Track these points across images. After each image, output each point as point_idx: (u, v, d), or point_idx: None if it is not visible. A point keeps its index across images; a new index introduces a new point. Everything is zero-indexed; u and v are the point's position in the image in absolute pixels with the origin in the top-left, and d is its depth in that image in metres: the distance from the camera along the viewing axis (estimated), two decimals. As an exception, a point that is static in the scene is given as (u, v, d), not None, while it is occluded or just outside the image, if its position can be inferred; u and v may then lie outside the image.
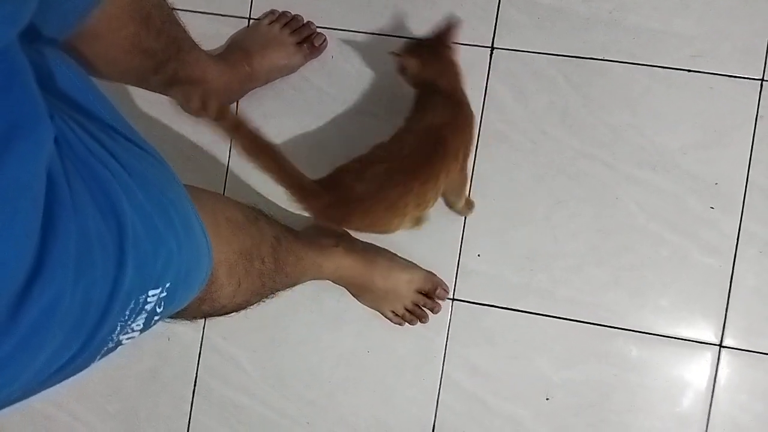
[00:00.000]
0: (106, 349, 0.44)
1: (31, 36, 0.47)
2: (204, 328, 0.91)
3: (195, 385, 0.92)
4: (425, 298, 0.86)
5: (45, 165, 0.36)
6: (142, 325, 0.47)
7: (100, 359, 0.45)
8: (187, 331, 0.91)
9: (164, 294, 0.46)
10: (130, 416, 0.93)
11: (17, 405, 0.45)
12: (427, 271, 0.87)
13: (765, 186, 0.82)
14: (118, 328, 0.43)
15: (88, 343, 0.41)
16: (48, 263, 0.35)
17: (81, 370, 0.44)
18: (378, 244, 0.88)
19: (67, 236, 0.37)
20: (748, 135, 0.82)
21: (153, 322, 0.48)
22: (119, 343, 0.46)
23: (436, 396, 0.87)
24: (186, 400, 0.92)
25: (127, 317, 0.44)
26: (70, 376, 0.44)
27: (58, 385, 0.95)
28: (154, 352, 0.93)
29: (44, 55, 0.46)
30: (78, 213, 0.38)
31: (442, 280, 0.87)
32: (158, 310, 0.47)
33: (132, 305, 0.43)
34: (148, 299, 0.45)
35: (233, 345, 0.91)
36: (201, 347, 0.92)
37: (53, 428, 0.95)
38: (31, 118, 0.36)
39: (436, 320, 0.87)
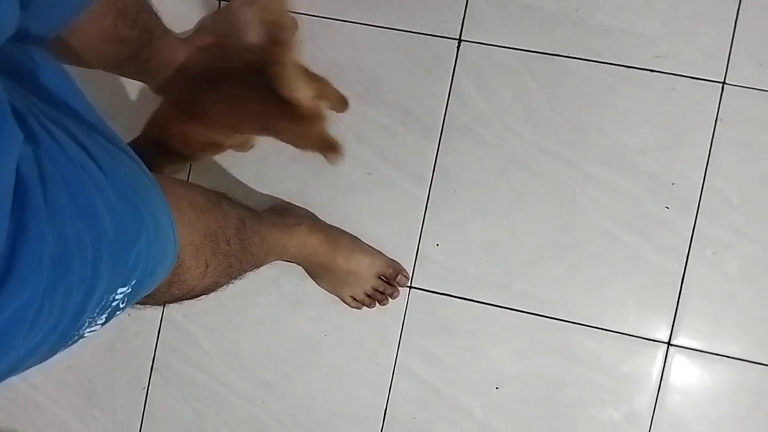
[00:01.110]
0: (71, 342, 0.46)
1: (19, 35, 0.48)
2: (164, 307, 0.93)
3: (153, 361, 0.94)
4: (385, 284, 0.87)
5: (11, 168, 0.36)
6: (104, 319, 0.48)
7: (62, 350, 0.47)
8: (147, 307, 0.93)
9: (129, 290, 0.48)
10: (88, 388, 0.95)
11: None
12: (388, 257, 0.88)
13: (721, 188, 0.83)
14: (86, 324, 0.45)
15: (59, 341, 0.43)
16: (18, 268, 0.36)
17: (45, 360, 0.45)
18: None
19: (39, 240, 0.37)
20: (707, 137, 0.83)
21: (114, 315, 0.50)
22: (82, 335, 0.47)
23: (390, 382, 0.89)
24: (144, 375, 0.94)
25: (95, 314, 0.45)
26: (35, 365, 0.45)
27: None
28: (114, 326, 0.94)
29: (28, 52, 0.47)
30: (54, 216, 0.39)
31: (403, 267, 0.88)
32: (121, 306, 0.49)
33: (103, 303, 0.45)
34: (116, 296, 0.46)
35: (192, 323, 0.92)
36: (161, 323, 0.93)
37: (13, 397, 0.96)
38: None
39: (392, 307, 0.88)
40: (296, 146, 0.80)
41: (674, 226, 0.84)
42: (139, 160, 0.53)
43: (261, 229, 0.75)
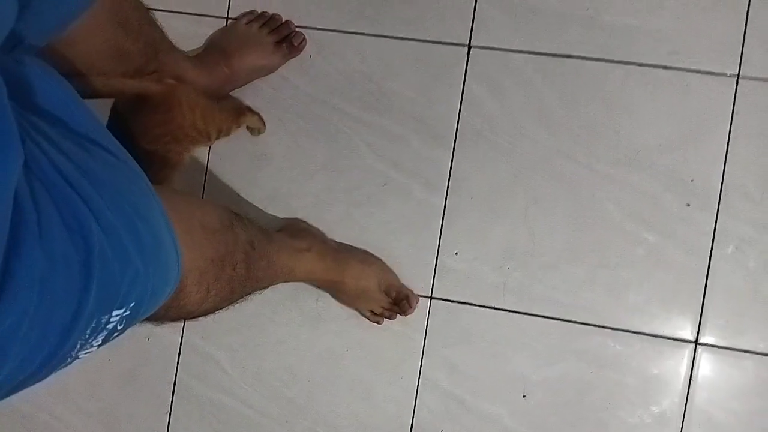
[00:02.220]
0: (63, 364, 0.45)
1: (10, 43, 0.47)
2: (183, 329, 0.91)
3: (174, 385, 0.92)
4: (391, 302, 0.86)
5: (12, 189, 0.36)
6: (101, 341, 0.47)
7: (55, 373, 0.46)
8: (166, 332, 0.92)
9: (127, 313, 0.47)
10: (110, 416, 0.94)
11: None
12: (397, 279, 0.87)
13: (741, 182, 0.82)
14: (78, 346, 0.44)
15: (48, 360, 0.42)
16: (12, 287, 0.35)
17: (36, 383, 0.45)
18: (354, 243, 0.88)
19: (31, 260, 0.37)
20: (724, 132, 0.83)
21: (112, 338, 0.48)
22: (77, 357, 0.46)
23: (415, 394, 0.88)
24: (165, 400, 0.93)
25: (88, 336, 0.44)
26: (24, 388, 0.44)
27: (37, 386, 0.96)
28: (133, 352, 0.93)
29: (22, 63, 0.46)
30: (44, 235, 0.38)
31: (411, 292, 0.86)
32: (119, 328, 0.48)
33: (94, 324, 0.44)
34: (111, 319, 0.45)
35: (212, 345, 0.91)
36: (180, 347, 0.92)
37: (33, 428, 0.95)
38: (1, 143, 0.36)
39: (414, 318, 0.87)
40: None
41: (695, 223, 0.83)
42: (143, 174, 0.52)
43: (270, 252, 0.73)
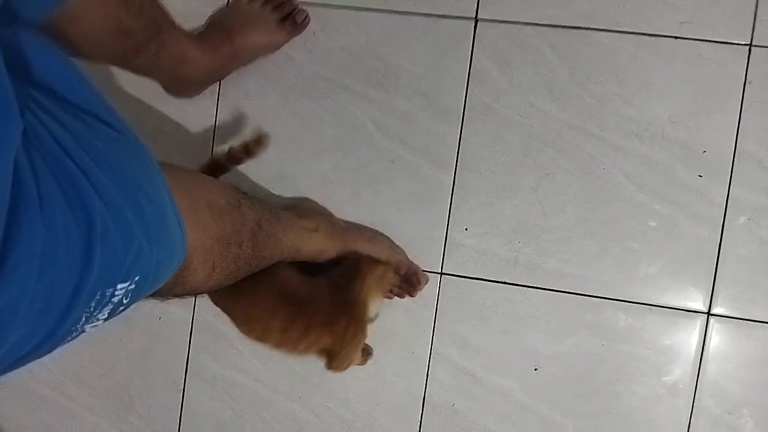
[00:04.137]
0: (69, 338, 0.45)
1: (8, 17, 0.46)
2: (194, 307, 0.92)
3: (187, 363, 0.93)
4: (399, 280, 0.86)
5: (11, 160, 0.36)
6: (107, 315, 0.47)
7: (63, 345, 0.46)
8: (177, 310, 0.92)
9: (132, 286, 0.47)
10: (124, 395, 0.95)
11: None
12: (406, 257, 0.86)
13: (753, 152, 0.81)
14: (83, 319, 0.44)
15: (52, 333, 0.42)
16: (11, 259, 0.35)
17: (43, 356, 0.45)
18: (362, 222, 0.88)
19: (32, 232, 0.37)
20: (736, 101, 0.81)
21: (118, 311, 0.49)
22: (83, 331, 0.46)
23: (426, 370, 0.88)
24: (179, 378, 0.93)
25: (92, 309, 0.44)
26: (31, 361, 0.44)
27: (51, 367, 0.97)
28: (145, 331, 0.93)
29: (21, 37, 0.46)
30: (45, 208, 0.38)
31: (420, 269, 0.86)
32: (125, 302, 0.48)
33: (98, 297, 0.44)
34: (116, 292, 0.45)
35: (224, 323, 0.90)
36: (192, 326, 0.93)
37: (48, 409, 0.96)
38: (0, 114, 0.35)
39: (425, 294, 0.87)
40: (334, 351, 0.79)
41: (708, 194, 0.82)
42: (147, 151, 0.51)
43: (277, 232, 0.73)
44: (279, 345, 0.77)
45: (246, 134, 0.88)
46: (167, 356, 0.93)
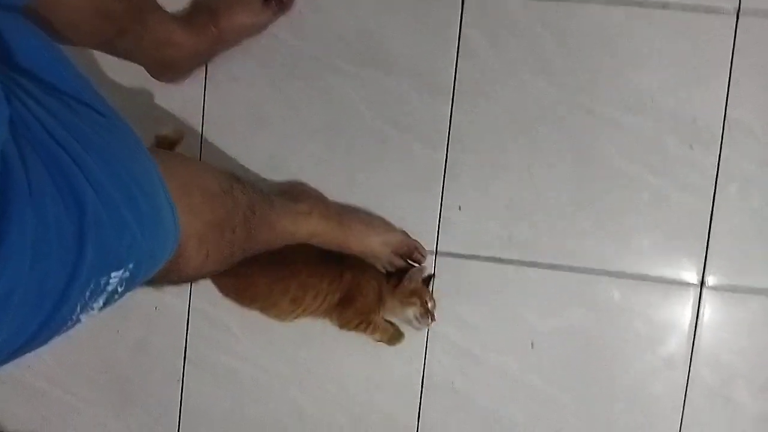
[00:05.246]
0: (65, 327, 0.45)
1: None
2: (191, 295, 0.91)
3: (185, 353, 0.93)
4: (402, 261, 0.86)
5: None
6: (102, 304, 0.47)
7: (59, 335, 0.46)
8: (173, 300, 0.92)
9: (127, 274, 0.46)
10: (123, 387, 0.95)
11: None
12: (403, 233, 0.86)
13: (743, 120, 0.82)
14: (78, 308, 0.44)
15: (47, 323, 0.42)
16: (2, 251, 0.35)
17: (40, 346, 0.45)
18: (356, 203, 0.87)
19: (22, 222, 0.36)
20: (725, 69, 0.81)
21: (114, 300, 0.48)
22: (78, 321, 0.46)
23: (424, 351, 0.88)
24: (177, 368, 0.93)
25: (87, 298, 0.44)
26: (28, 352, 0.44)
27: (49, 361, 0.96)
28: (142, 322, 0.93)
29: (4, 22, 0.45)
30: (35, 197, 0.38)
31: (418, 242, 0.86)
32: (119, 290, 0.47)
33: (92, 287, 0.43)
34: (110, 281, 0.45)
35: (221, 310, 0.91)
36: (189, 315, 0.92)
37: (47, 402, 0.96)
38: None
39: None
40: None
41: (698, 164, 0.82)
42: (138, 137, 0.51)
43: (271, 216, 0.73)
44: (291, 315, 0.84)
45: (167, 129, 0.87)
46: (165, 346, 0.93)
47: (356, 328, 0.84)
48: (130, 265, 0.46)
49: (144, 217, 0.47)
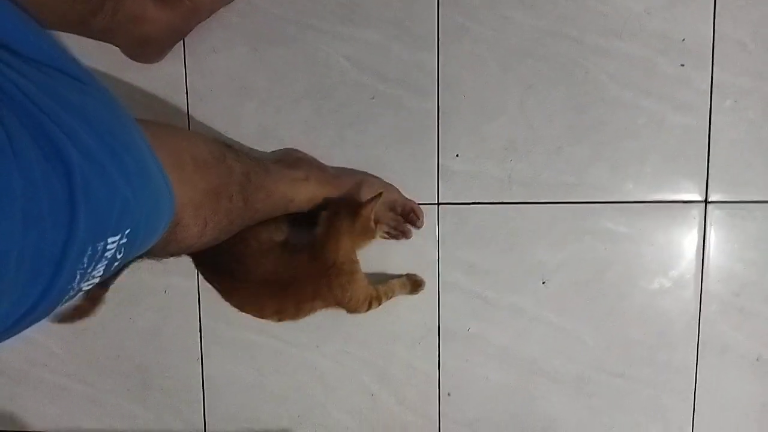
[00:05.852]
0: (66, 297, 0.44)
1: None
2: (198, 274, 0.91)
3: (200, 331, 0.93)
4: (400, 218, 0.85)
5: None
6: (102, 272, 0.46)
7: (61, 306, 0.45)
8: (182, 281, 0.91)
9: (124, 240, 0.46)
10: (144, 373, 0.95)
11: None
12: (400, 194, 0.85)
13: (732, 35, 0.81)
14: (78, 276, 0.43)
15: (47, 292, 0.41)
16: None
17: (43, 318, 0.44)
18: (351, 164, 0.86)
19: (9, 186, 0.35)
20: (710, -17, 0.80)
21: (113, 267, 0.48)
22: (80, 290, 0.45)
23: (437, 300, 0.89)
24: (195, 347, 0.93)
25: (86, 265, 0.43)
26: (33, 324, 0.44)
27: (65, 356, 0.95)
28: (153, 307, 0.93)
29: None
30: (20, 160, 0.37)
31: (415, 204, 0.85)
32: (118, 256, 0.47)
33: (90, 252, 0.43)
34: (108, 246, 0.44)
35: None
36: (199, 293, 0.92)
37: (68, 397, 0.96)
38: None
39: (425, 228, 0.87)
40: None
41: (692, 82, 0.82)
42: (120, 103, 0.50)
43: (267, 183, 0.72)
44: (280, 321, 0.81)
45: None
46: (179, 327, 0.93)
47: (369, 308, 0.83)
48: (127, 231, 0.46)
49: (134, 180, 0.46)
